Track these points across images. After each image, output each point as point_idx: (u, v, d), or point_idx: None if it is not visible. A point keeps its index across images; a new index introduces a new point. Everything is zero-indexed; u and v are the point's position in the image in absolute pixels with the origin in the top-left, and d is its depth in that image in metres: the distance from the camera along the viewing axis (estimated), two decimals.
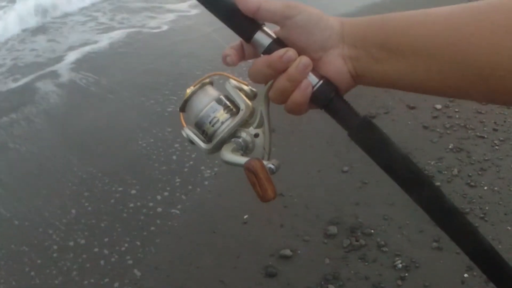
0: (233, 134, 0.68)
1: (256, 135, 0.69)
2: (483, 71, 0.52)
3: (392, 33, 0.58)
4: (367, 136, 0.62)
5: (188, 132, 0.71)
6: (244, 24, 0.64)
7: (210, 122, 0.69)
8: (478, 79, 0.53)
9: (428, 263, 2.13)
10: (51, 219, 2.63)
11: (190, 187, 2.77)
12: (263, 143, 0.69)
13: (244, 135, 0.68)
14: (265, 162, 0.63)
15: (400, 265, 2.13)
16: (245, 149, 0.68)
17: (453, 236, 0.63)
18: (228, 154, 0.66)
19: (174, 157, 3.02)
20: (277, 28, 0.64)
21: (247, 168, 0.61)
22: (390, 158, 0.61)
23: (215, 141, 0.69)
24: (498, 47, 0.51)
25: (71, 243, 2.48)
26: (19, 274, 2.32)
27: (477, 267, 0.64)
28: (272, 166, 0.63)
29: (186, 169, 2.90)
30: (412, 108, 3.12)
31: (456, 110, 3.04)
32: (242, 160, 0.63)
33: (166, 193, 2.76)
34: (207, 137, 0.70)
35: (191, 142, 0.71)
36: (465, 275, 2.04)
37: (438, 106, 3.09)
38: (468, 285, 2.01)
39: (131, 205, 2.73)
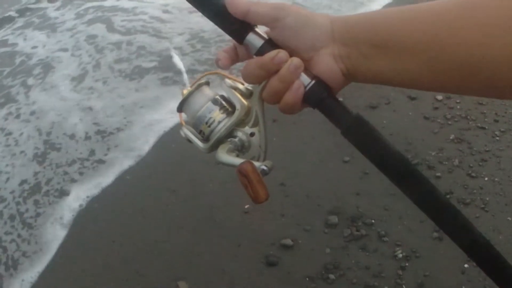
0: (229, 133, 0.69)
1: (252, 134, 0.69)
2: (473, 65, 0.52)
3: (382, 30, 0.58)
4: (360, 134, 0.62)
5: (186, 131, 0.72)
6: (236, 26, 0.64)
7: (206, 123, 0.69)
8: (468, 73, 0.53)
9: (429, 253, 2.14)
10: None
11: (191, 176, 2.77)
12: (259, 142, 0.69)
13: (240, 134, 0.69)
14: (257, 164, 0.63)
15: (400, 255, 2.14)
16: (241, 149, 0.69)
17: (448, 231, 0.64)
18: (223, 156, 0.67)
19: (174, 145, 3.02)
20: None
21: (238, 171, 0.62)
22: (383, 155, 0.61)
23: (211, 141, 0.69)
24: (488, 40, 0.51)
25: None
26: None
27: (472, 260, 0.65)
28: (265, 168, 0.64)
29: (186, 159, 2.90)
30: (413, 99, 3.12)
31: (457, 101, 3.04)
32: (236, 161, 0.64)
33: (168, 182, 2.77)
34: (205, 136, 0.71)
35: (189, 141, 0.72)
36: (465, 265, 2.05)
37: (439, 97, 3.08)
38: (468, 275, 2.02)
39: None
